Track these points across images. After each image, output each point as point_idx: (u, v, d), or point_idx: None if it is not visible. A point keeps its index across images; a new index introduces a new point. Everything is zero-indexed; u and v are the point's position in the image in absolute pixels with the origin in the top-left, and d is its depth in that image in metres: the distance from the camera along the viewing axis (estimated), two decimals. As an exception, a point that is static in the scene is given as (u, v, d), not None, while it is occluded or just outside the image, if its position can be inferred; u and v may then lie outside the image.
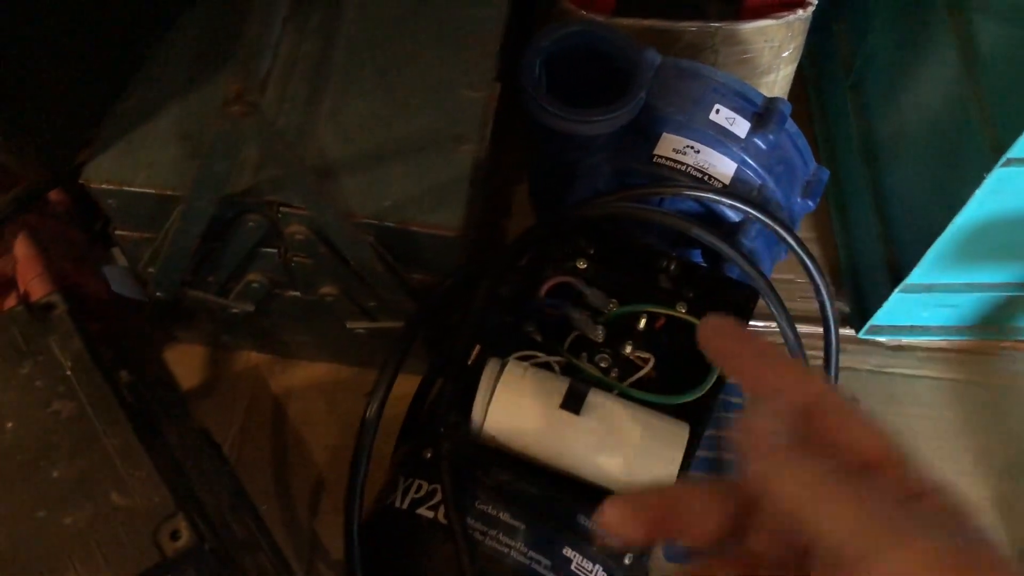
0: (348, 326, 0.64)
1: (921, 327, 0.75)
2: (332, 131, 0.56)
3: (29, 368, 0.45)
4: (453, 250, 0.56)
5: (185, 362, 0.72)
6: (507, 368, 0.50)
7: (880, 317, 0.73)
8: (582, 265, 0.57)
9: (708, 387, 0.52)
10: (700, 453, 0.53)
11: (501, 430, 0.50)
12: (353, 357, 0.71)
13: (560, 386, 0.50)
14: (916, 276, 0.67)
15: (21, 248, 0.58)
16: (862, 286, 0.76)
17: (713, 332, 0.34)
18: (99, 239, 0.65)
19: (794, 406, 0.30)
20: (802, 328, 0.73)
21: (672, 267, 0.57)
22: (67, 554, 0.41)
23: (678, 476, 0.49)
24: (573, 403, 0.49)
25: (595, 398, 0.49)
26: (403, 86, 0.58)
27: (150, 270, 0.59)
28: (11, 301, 0.59)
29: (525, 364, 0.51)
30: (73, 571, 0.41)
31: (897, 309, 0.71)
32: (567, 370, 0.53)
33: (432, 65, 0.59)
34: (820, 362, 0.64)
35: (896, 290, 0.69)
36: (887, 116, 0.72)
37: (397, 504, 0.54)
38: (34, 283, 0.57)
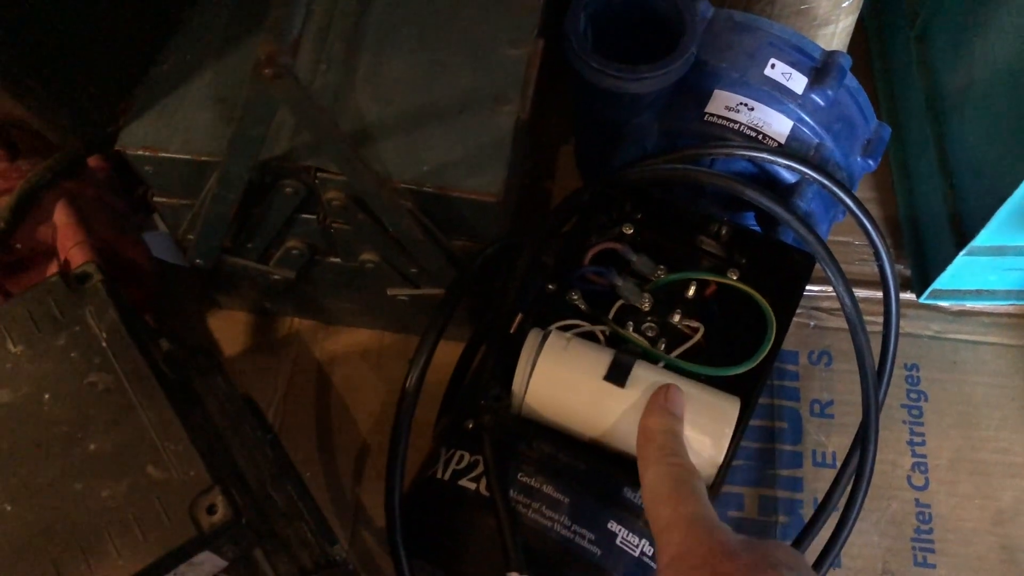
0: (389, 293, 0.63)
1: (987, 291, 0.71)
2: (369, 93, 0.54)
3: (65, 339, 0.45)
4: (494, 215, 0.54)
5: (228, 328, 0.71)
6: (549, 339, 0.49)
7: (943, 281, 0.69)
8: (629, 231, 0.55)
9: (760, 359, 0.49)
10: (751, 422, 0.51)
11: (543, 403, 0.48)
12: (396, 323, 0.70)
13: (604, 357, 0.48)
14: (984, 238, 0.63)
15: (60, 216, 0.57)
16: (924, 248, 0.72)
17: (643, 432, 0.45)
18: (140, 205, 0.65)
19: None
20: (861, 292, 0.71)
21: (723, 232, 0.55)
22: (104, 527, 0.41)
23: (728, 451, 0.47)
24: (617, 375, 0.47)
25: (640, 370, 0.47)
26: (442, 45, 0.56)
27: (189, 237, 0.58)
28: (52, 268, 0.59)
29: (568, 335, 0.50)
30: (110, 544, 0.41)
31: (962, 272, 0.68)
32: (612, 340, 0.52)
33: (473, 22, 0.57)
34: (879, 327, 0.61)
35: (961, 253, 0.65)
36: (956, 69, 0.68)
37: (439, 475, 0.53)
38: (74, 251, 0.56)
